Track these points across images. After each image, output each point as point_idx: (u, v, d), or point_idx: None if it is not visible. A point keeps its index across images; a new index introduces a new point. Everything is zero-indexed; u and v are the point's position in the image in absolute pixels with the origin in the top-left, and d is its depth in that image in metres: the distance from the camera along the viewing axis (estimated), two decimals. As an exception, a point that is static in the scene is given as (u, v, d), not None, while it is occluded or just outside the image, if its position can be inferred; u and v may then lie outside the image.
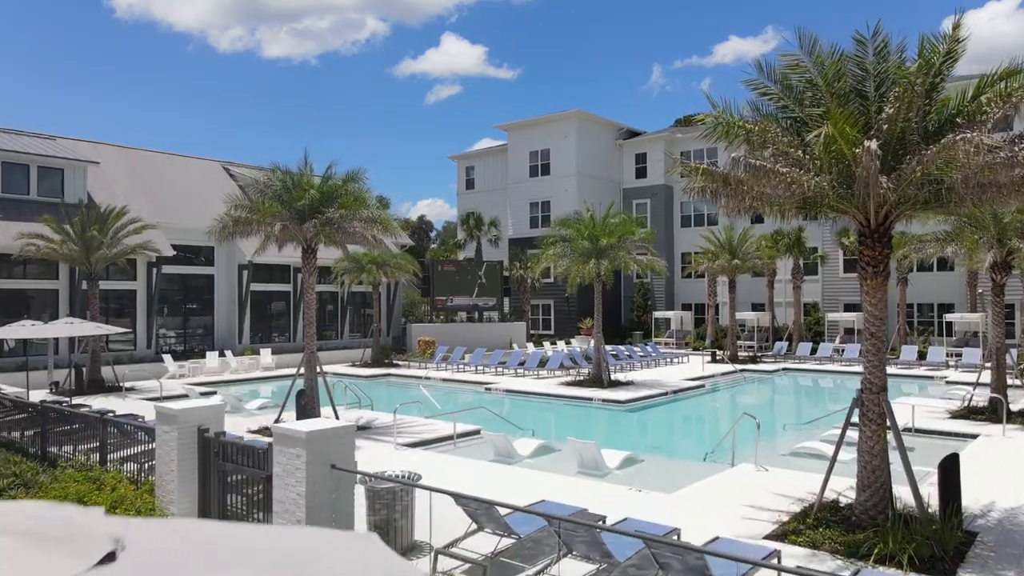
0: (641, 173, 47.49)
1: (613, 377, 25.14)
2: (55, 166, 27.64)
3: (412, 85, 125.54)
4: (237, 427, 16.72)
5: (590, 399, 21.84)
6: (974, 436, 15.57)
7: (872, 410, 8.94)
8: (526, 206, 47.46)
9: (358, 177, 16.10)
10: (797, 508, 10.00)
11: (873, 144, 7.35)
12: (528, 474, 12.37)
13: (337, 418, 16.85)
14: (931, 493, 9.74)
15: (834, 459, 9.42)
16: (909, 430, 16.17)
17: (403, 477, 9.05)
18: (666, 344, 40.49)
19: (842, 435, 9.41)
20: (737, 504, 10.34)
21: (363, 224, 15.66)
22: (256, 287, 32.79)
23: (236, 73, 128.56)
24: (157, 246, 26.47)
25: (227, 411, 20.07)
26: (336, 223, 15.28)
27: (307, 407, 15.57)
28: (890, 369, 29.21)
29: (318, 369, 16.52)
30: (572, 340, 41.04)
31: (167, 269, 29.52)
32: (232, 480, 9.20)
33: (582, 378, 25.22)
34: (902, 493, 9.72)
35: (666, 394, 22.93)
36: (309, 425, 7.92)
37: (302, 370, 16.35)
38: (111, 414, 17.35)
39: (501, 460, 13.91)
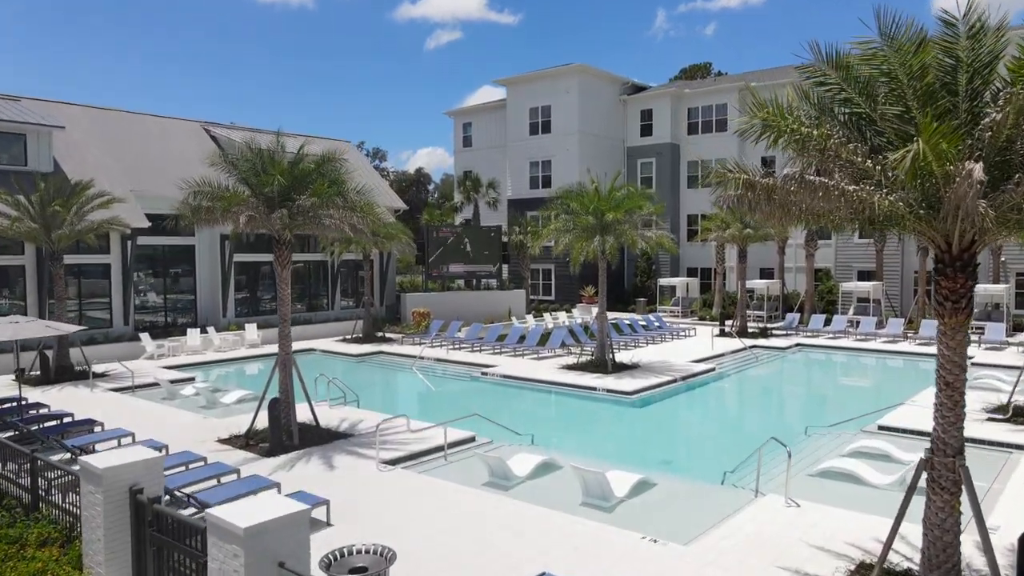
0: (646, 131, 45.22)
1: (617, 359, 23.63)
2: (16, 131, 25.57)
3: (411, 30, 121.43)
4: (207, 434, 15.25)
5: (594, 388, 20.33)
6: (1022, 447, 14.02)
7: (945, 476, 7.34)
8: (526, 166, 45.34)
9: (334, 158, 14.22)
10: (843, 574, 8.50)
11: (978, 169, 5.58)
12: (525, 512, 10.85)
13: (316, 423, 15.39)
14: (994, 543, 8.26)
15: (894, 533, 7.84)
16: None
17: (376, 553, 7.52)
18: (671, 313, 38.94)
19: (905, 504, 7.83)
20: (771, 566, 8.83)
21: (341, 213, 13.83)
22: (240, 257, 31.04)
23: (230, 20, 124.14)
24: (127, 220, 24.64)
25: (201, 406, 18.69)
26: (308, 212, 13.48)
27: (280, 418, 14.00)
28: (908, 346, 27.89)
29: (295, 371, 14.94)
30: (574, 309, 39.50)
31: (143, 240, 27.66)
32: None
33: (585, 360, 23.71)
34: (966, 549, 8.25)
35: (674, 381, 21.41)
36: (249, 516, 6.29)
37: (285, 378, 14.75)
38: (68, 418, 15.88)
39: (496, 483, 12.43)
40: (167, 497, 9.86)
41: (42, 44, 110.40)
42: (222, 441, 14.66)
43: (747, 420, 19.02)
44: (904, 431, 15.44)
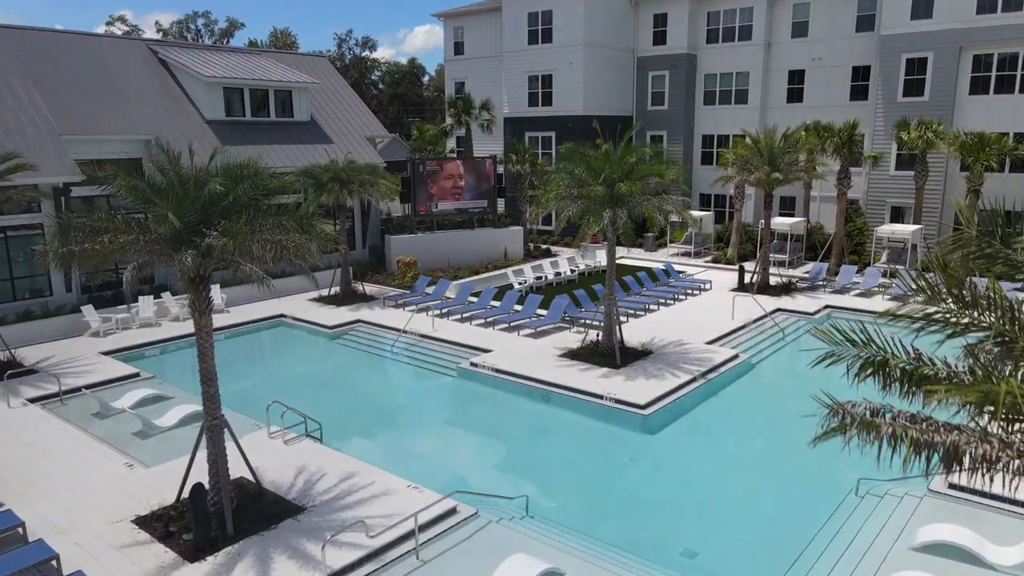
0: (659, 39, 40.10)
1: (627, 337, 20.66)
2: (-89, 69, 21.38)
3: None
4: (124, 506, 12.33)
5: (600, 396, 17.35)
6: None
7: None
8: (524, 80, 40.52)
9: (257, 168, 10.54)
10: None
11: None
12: None
13: (259, 484, 12.54)
14: None
15: None
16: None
17: None
18: (683, 253, 35.58)
19: None
20: None
21: (272, 246, 10.30)
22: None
23: None
24: (51, 177, 20.95)
25: (134, 432, 15.69)
26: (221, 254, 9.94)
27: (207, 508, 11.02)
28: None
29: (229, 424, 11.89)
30: (577, 250, 36.06)
31: (80, 192, 23.91)
32: None
33: (589, 343, 20.67)
34: None
35: (693, 380, 18.42)
36: None
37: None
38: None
39: (478, 617, 9.65)
40: None
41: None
42: (140, 521, 11.78)
43: (780, 460, 15.45)
44: (982, 495, 12.59)
